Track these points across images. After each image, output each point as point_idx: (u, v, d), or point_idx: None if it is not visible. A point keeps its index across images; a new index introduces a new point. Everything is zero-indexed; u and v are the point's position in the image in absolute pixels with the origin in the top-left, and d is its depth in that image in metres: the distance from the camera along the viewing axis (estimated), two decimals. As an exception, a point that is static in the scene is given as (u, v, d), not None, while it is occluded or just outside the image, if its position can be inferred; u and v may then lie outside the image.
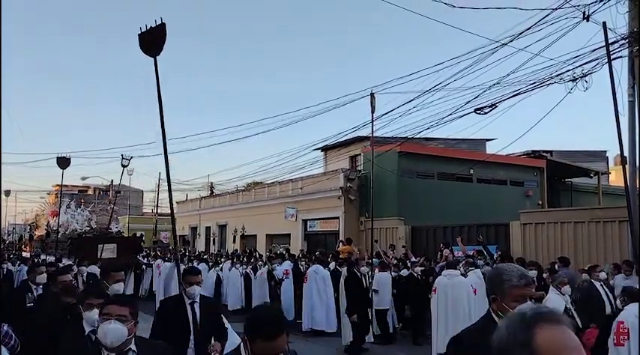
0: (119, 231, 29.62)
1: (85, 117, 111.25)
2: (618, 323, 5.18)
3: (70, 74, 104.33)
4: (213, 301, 4.79)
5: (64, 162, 15.50)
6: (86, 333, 3.48)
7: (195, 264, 18.08)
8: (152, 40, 5.32)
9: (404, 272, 12.10)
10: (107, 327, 2.68)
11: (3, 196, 33.89)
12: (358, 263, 10.52)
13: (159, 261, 17.80)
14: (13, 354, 4.01)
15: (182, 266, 6.50)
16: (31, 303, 5.73)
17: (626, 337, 5.07)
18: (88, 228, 29.44)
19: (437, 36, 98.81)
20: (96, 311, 3.29)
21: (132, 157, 18.17)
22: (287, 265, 14.19)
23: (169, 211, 6.40)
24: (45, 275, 6.34)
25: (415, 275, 11.35)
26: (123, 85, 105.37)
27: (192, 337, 4.41)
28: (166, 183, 5.85)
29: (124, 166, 17.84)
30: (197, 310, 4.51)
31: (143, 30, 5.38)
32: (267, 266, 14.10)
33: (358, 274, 9.95)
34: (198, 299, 4.55)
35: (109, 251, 15.24)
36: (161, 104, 5.06)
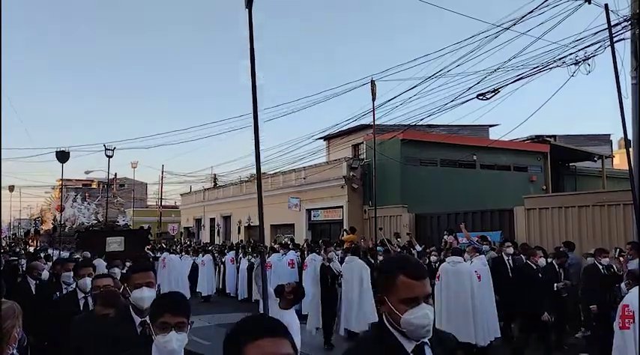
0: (126, 223, 29.72)
1: (86, 112, 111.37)
2: (623, 307, 5.07)
3: (70, 68, 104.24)
4: (450, 336, 2.33)
5: (63, 156, 15.51)
6: None
7: (201, 256, 18.23)
8: None
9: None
10: None
11: (6, 191, 34.03)
12: (504, 245, 9.26)
13: (165, 253, 17.84)
14: (20, 347, 4.00)
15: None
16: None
17: (631, 320, 4.94)
18: (95, 221, 29.56)
19: (438, 22, 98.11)
20: (174, 334, 2.44)
21: (115, 148, 18.24)
22: (292, 255, 14.26)
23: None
24: (71, 273, 5.63)
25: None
26: (123, 82, 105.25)
27: None
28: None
29: (108, 157, 17.88)
30: None
31: None
32: (322, 257, 10.77)
33: (505, 257, 9.02)
34: (428, 338, 2.06)
35: (116, 244, 15.28)
36: (253, 58, 4.42)
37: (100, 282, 4.16)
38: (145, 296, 3.16)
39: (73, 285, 5.32)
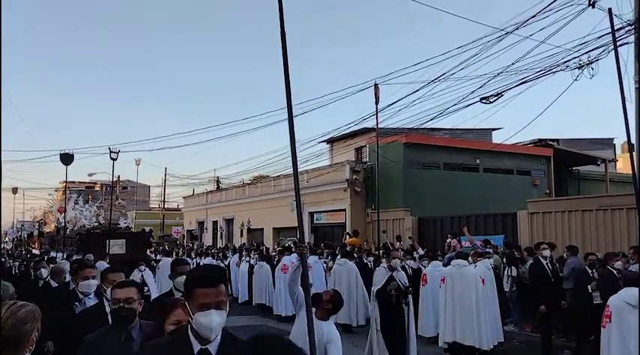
0: (128, 226, 29.69)
1: (88, 112, 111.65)
2: (606, 307, 5.40)
3: (70, 68, 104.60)
4: None
5: (67, 158, 15.55)
6: None
7: (203, 259, 18.24)
8: None
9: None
10: None
11: (8, 193, 34.08)
12: (540, 248, 9.40)
13: (164, 257, 17.79)
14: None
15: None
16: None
17: (607, 319, 5.27)
18: (97, 224, 29.54)
19: (441, 25, 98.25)
20: None
21: (119, 150, 18.17)
22: (294, 258, 14.26)
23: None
24: (96, 281, 4.68)
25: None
26: (125, 81, 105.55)
27: None
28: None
29: (113, 159, 17.88)
30: None
31: None
32: (381, 263, 8.93)
33: (543, 261, 9.02)
34: None
35: (117, 246, 15.30)
36: (285, 49, 4.27)
37: (121, 294, 3.23)
38: (213, 323, 2.14)
39: (92, 296, 4.57)
